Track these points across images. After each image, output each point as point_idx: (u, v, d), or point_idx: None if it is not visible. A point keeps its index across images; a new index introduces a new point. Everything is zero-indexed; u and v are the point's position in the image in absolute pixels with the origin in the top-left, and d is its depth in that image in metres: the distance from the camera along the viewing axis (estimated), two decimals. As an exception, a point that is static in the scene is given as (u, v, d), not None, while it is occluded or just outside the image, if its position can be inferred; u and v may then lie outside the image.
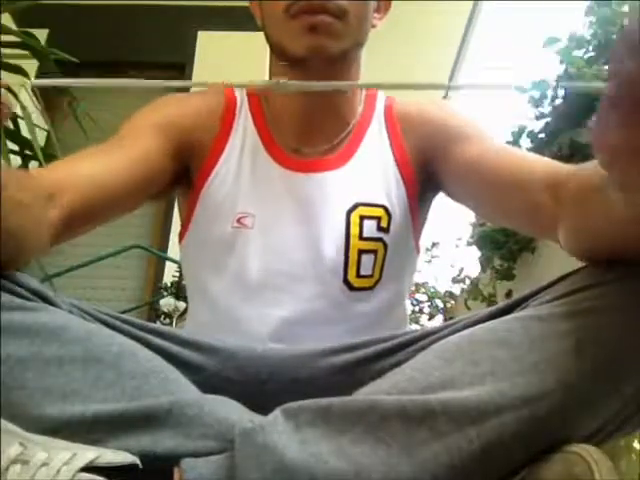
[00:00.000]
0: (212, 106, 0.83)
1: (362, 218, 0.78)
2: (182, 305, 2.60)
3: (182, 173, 0.81)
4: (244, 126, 0.82)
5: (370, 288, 0.79)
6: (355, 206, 0.78)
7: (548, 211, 0.62)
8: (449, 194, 0.82)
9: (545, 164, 0.69)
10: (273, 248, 0.77)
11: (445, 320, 3.02)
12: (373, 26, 0.81)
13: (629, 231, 0.47)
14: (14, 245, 0.54)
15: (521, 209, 0.69)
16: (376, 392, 0.49)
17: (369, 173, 0.80)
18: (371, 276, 0.79)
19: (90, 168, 0.69)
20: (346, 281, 0.77)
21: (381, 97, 0.88)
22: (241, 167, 0.80)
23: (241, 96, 0.85)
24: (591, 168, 0.53)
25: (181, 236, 0.85)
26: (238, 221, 0.78)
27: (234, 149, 0.81)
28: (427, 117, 0.82)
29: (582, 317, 0.49)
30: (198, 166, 0.80)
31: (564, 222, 0.58)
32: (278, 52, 0.78)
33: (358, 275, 0.78)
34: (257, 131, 0.82)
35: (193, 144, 0.80)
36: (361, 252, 0.78)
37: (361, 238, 0.77)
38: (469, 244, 2.47)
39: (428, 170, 0.81)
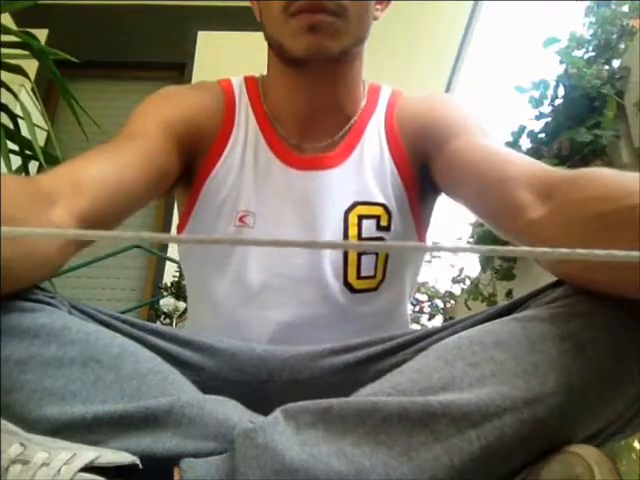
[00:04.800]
0: (214, 100, 0.82)
1: (360, 218, 0.77)
2: (182, 305, 2.60)
3: (186, 168, 0.80)
4: (245, 120, 0.82)
5: (374, 289, 0.78)
6: (353, 205, 0.78)
7: (530, 211, 0.59)
8: (443, 191, 0.80)
9: (535, 164, 0.66)
10: (273, 250, 0.77)
11: (445, 320, 3.02)
12: (375, 18, 0.79)
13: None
14: (17, 264, 0.51)
15: (500, 205, 0.65)
16: (376, 393, 0.49)
17: (367, 171, 0.79)
18: (373, 277, 0.78)
19: (103, 170, 0.67)
20: (347, 283, 0.77)
21: (385, 91, 0.86)
22: (244, 163, 0.79)
23: (239, 89, 0.84)
24: (595, 180, 0.52)
25: (179, 229, 0.84)
26: (240, 220, 0.77)
27: (237, 144, 0.80)
28: (422, 113, 0.81)
29: (583, 318, 0.48)
30: (201, 161, 0.80)
31: (551, 224, 0.56)
32: (278, 52, 0.77)
33: (359, 277, 0.77)
34: (258, 125, 0.81)
35: (198, 139, 0.79)
36: (361, 253, 0.77)
37: (360, 239, 0.77)
38: (469, 244, 2.47)
39: (425, 166, 0.80)
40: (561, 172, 0.61)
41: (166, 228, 2.93)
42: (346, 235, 0.77)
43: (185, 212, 0.82)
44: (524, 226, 0.60)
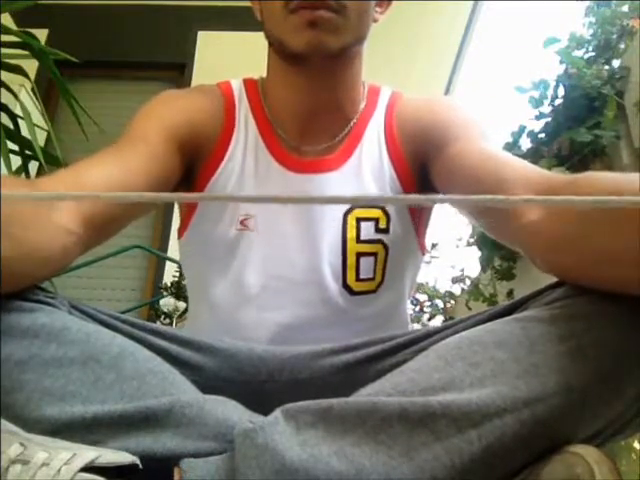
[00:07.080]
0: (214, 104, 0.82)
1: (359, 220, 0.77)
2: (182, 305, 2.60)
3: (186, 172, 0.80)
4: (245, 124, 0.82)
5: (373, 291, 0.78)
6: (352, 208, 0.78)
7: (528, 212, 0.59)
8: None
9: (533, 168, 0.66)
10: (273, 252, 0.77)
11: (445, 320, 3.01)
12: (375, 21, 0.80)
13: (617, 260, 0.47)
14: (21, 264, 0.52)
15: (498, 207, 0.65)
16: (377, 393, 0.49)
17: (366, 174, 0.80)
18: (372, 279, 0.78)
19: (106, 175, 0.67)
20: (346, 286, 0.77)
21: (385, 93, 0.87)
22: (244, 166, 0.80)
23: (239, 92, 0.84)
24: (594, 181, 0.53)
25: (180, 232, 0.85)
26: (241, 223, 0.78)
27: (237, 148, 0.80)
28: (422, 115, 0.81)
29: (583, 319, 0.48)
30: (202, 165, 0.80)
31: (552, 222, 0.56)
32: (278, 48, 0.77)
33: (358, 279, 0.77)
34: (258, 128, 0.82)
35: (199, 144, 0.79)
36: (360, 255, 0.77)
37: (359, 241, 0.77)
38: (469, 244, 2.47)
39: (424, 169, 0.80)
40: (559, 176, 0.62)
41: (165, 230, 2.93)
42: (345, 237, 0.77)
43: (186, 216, 0.82)
44: (523, 227, 0.60)
